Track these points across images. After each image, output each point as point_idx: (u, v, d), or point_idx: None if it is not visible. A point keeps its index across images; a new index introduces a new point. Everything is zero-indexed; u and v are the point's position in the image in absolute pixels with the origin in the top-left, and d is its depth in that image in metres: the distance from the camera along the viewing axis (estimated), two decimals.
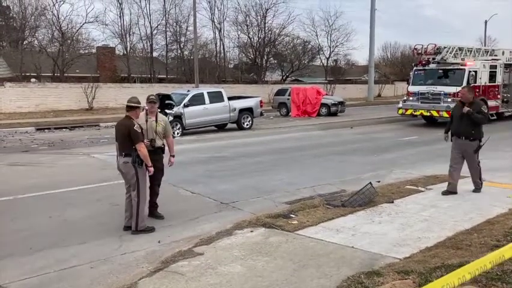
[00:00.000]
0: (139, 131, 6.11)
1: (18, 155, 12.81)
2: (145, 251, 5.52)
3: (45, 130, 19.98)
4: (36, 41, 35.89)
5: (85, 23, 34.19)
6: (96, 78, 32.59)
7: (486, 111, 7.20)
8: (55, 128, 20.34)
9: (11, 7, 37.65)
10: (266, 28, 43.31)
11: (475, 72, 19.46)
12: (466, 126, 7.59)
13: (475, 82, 19.41)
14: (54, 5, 32.62)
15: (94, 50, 37.78)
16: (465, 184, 8.44)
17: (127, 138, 6.04)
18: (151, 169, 6.19)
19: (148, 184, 6.43)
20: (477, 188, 7.89)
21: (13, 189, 8.47)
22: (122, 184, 6.57)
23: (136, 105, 6.20)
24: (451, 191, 7.76)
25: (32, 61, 30.42)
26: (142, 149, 6.06)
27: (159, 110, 7.16)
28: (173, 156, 7.00)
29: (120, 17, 37.49)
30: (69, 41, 34.45)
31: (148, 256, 5.34)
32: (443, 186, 8.32)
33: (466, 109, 7.47)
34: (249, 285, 4.41)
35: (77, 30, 35.02)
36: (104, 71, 36.08)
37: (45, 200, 7.93)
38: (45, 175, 10.16)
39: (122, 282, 4.59)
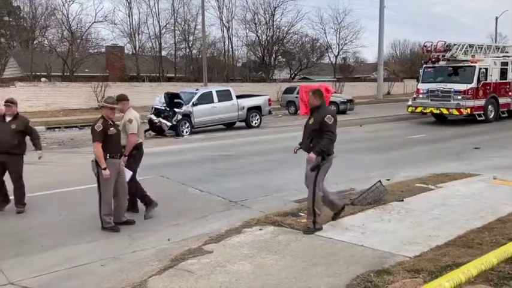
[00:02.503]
0: (99, 130, 6.14)
1: (28, 154, 12.90)
2: (155, 249, 5.53)
3: (55, 129, 20.13)
4: (46, 40, 36.26)
5: (94, 22, 34.44)
6: (105, 77, 32.73)
7: (331, 122, 5.69)
8: (65, 127, 20.50)
9: (22, 7, 38.03)
10: (274, 26, 43.28)
11: (486, 69, 19.28)
12: (306, 139, 6.01)
13: (486, 79, 19.25)
14: (63, 4, 32.89)
15: (103, 50, 37.97)
16: (476, 182, 8.37)
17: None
18: (105, 172, 6.04)
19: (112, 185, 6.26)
20: (309, 228, 5.82)
21: None
22: None
23: (105, 104, 6.41)
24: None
25: (42, 61, 30.67)
26: (95, 149, 6.13)
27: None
28: (125, 155, 6.58)
29: (129, 16, 37.66)
30: (78, 41, 34.66)
31: (158, 254, 5.36)
32: (454, 184, 8.26)
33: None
34: (258, 283, 4.41)
35: (87, 29, 35.28)
36: (113, 70, 36.24)
37: (56, 198, 7.99)
38: (56, 174, 10.23)
39: (132, 280, 4.61)
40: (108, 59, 37.09)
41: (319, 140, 5.74)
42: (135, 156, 6.80)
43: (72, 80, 30.70)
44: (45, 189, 8.50)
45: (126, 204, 6.50)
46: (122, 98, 6.92)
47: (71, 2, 33.64)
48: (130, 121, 6.73)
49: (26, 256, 5.38)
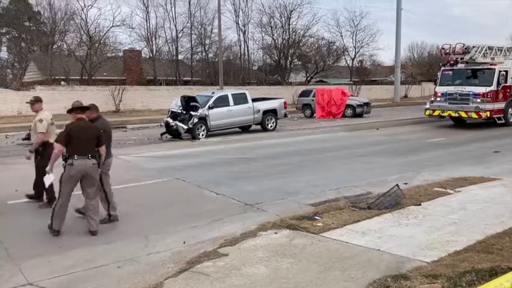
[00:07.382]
0: None
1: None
2: (171, 251, 5.56)
3: None
4: (65, 45, 36.80)
5: (112, 26, 34.86)
6: (122, 81, 33.11)
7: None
8: None
9: (42, 12, 38.77)
10: (290, 29, 43.16)
11: (506, 71, 18.94)
12: None
13: (506, 82, 18.90)
14: (82, 9, 33.41)
15: (121, 53, 38.39)
16: (496, 186, 8.22)
17: (95, 141, 6.38)
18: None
19: None
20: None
21: None
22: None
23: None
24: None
25: (61, 65, 31.18)
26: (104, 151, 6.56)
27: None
28: (30, 151, 7.46)
29: (146, 20, 38.02)
30: (96, 45, 35.13)
31: (173, 256, 5.39)
32: (473, 188, 8.13)
33: None
34: (273, 287, 4.40)
35: (105, 34, 35.72)
36: (130, 74, 36.63)
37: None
38: None
39: (148, 282, 4.64)
40: (126, 63, 37.51)
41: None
42: (42, 153, 7.35)
43: (90, 84, 31.13)
44: None
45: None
46: (38, 100, 7.78)
47: (90, 7, 34.07)
48: (40, 121, 7.46)
49: (45, 257, 5.45)
